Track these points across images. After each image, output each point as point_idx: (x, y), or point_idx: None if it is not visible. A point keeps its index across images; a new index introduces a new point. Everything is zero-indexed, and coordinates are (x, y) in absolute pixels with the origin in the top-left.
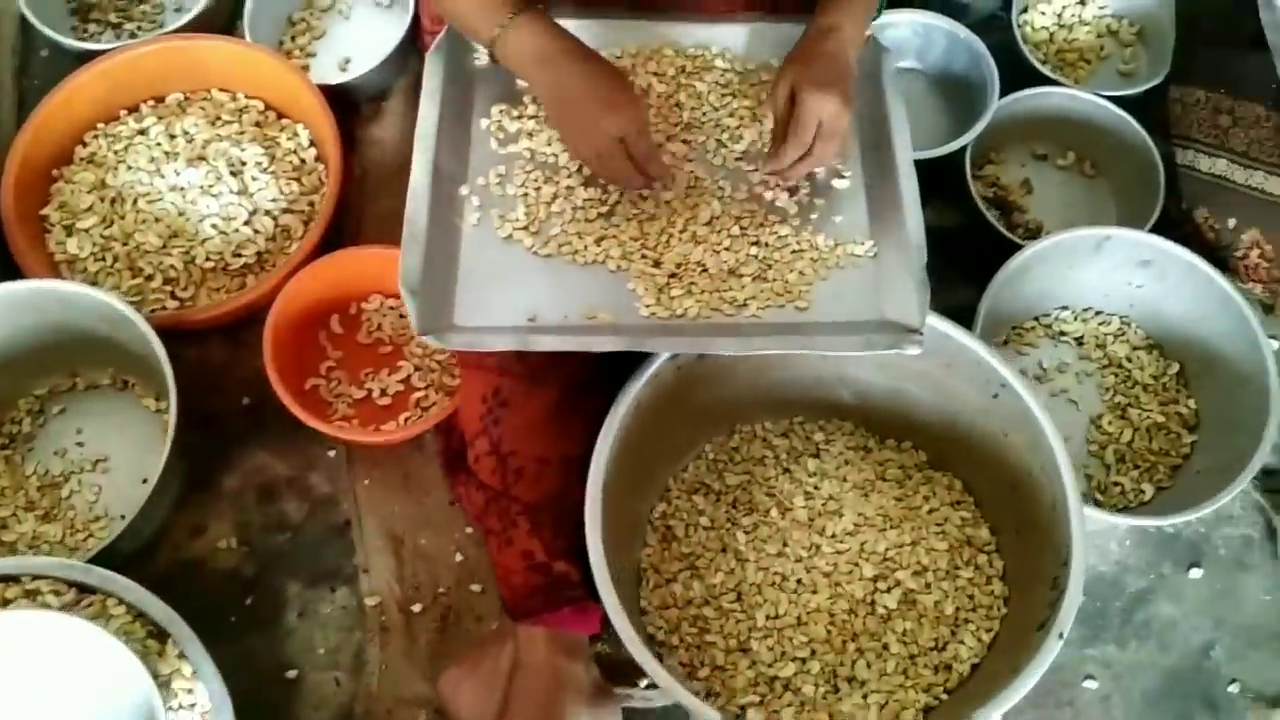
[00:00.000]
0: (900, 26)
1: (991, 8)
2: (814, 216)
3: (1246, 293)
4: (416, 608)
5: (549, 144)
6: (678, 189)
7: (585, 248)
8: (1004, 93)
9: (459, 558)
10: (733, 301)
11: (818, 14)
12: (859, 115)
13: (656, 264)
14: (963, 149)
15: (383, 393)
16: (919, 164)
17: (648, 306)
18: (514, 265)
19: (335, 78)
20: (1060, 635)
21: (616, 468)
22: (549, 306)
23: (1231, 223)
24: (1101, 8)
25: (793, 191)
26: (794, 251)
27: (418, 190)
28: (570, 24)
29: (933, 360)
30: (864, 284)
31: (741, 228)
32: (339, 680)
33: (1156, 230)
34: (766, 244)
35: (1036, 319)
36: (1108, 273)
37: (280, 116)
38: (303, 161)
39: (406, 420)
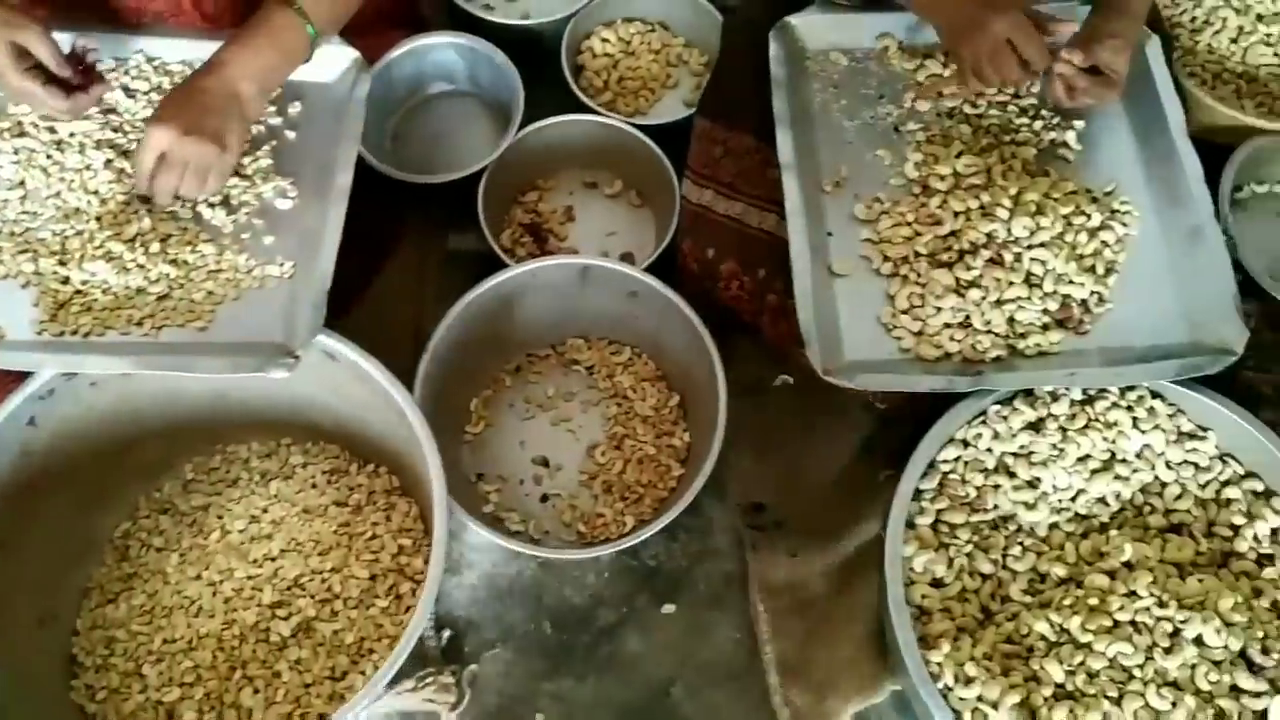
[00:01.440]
0: (444, 48)
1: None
2: (246, 236)
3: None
4: None
5: None
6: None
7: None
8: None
9: None
10: (129, 320)
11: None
12: None
13: (65, 280)
14: (479, 172)
15: None
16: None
17: (41, 323)
18: None
19: None
20: None
21: None
22: None
23: (710, 253)
24: (675, 37)
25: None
26: (210, 271)
27: None
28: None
29: (357, 385)
30: (272, 306)
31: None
32: None
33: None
34: (185, 263)
35: (553, 346)
36: (605, 302)
37: None
38: None
39: None
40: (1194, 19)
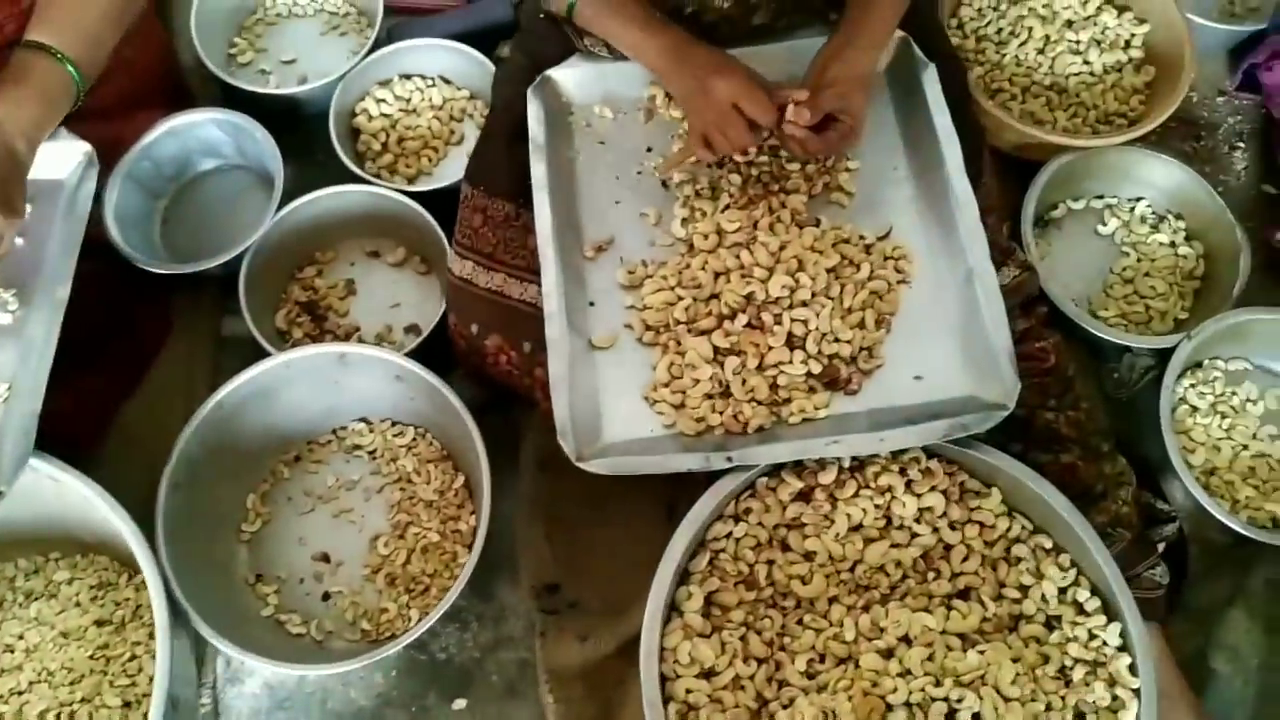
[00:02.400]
0: (205, 125)
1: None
2: None
3: None
4: None
5: None
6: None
7: None
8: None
9: None
10: None
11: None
12: None
13: None
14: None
15: None
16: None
17: None
18: None
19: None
20: None
21: None
22: None
23: (474, 328)
24: (458, 90)
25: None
26: None
27: None
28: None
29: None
30: None
31: None
32: None
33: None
34: None
35: (334, 431)
36: (375, 385)
37: None
38: None
39: None
40: (999, 30)
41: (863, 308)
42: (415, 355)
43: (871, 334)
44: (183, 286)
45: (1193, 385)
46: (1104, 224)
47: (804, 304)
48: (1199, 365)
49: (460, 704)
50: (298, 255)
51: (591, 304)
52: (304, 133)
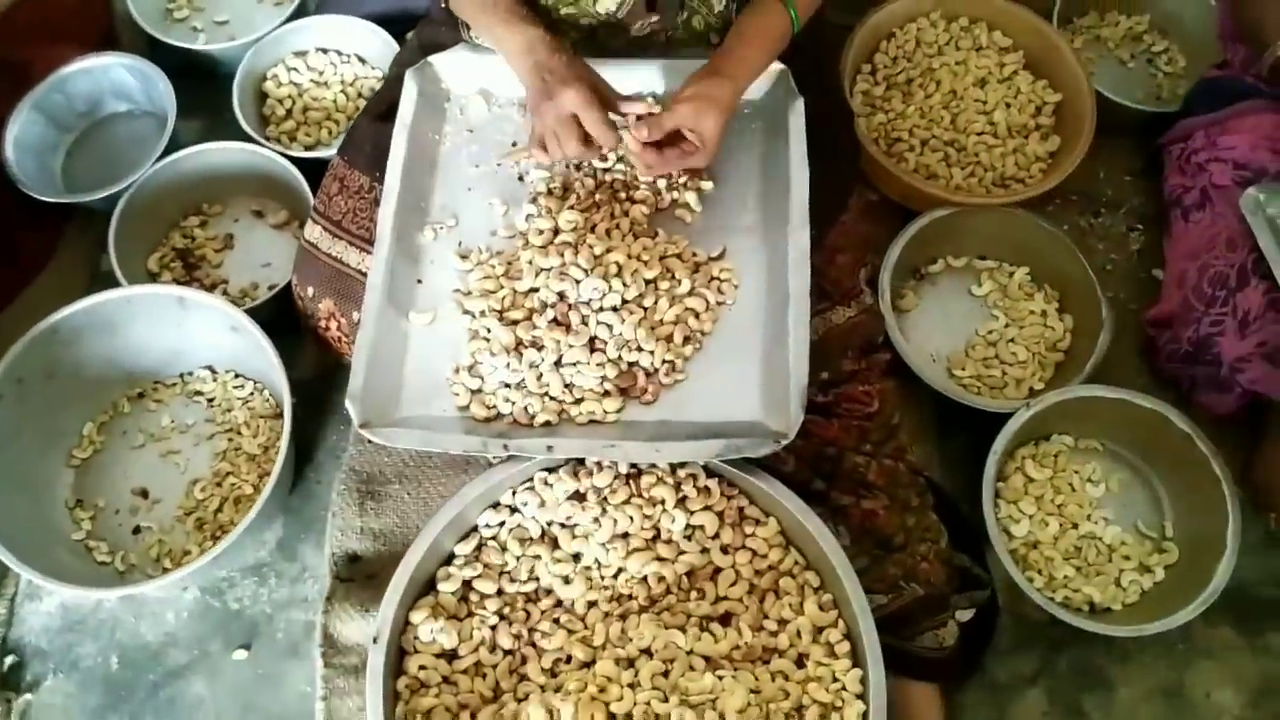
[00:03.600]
0: (116, 68)
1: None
2: None
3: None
4: None
5: None
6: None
7: None
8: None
9: None
10: None
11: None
12: None
13: None
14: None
15: None
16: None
17: None
18: None
19: None
20: None
21: None
22: None
23: (310, 290)
24: (373, 70)
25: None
26: None
27: None
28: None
29: None
30: None
31: None
32: None
33: None
34: None
35: (181, 375)
36: (214, 336)
37: None
38: None
39: None
40: (909, 79)
41: (675, 322)
42: (266, 312)
43: (677, 349)
44: (75, 220)
45: (1032, 457)
46: (979, 285)
47: (614, 309)
48: (1046, 438)
49: (241, 655)
50: (184, 204)
51: (419, 281)
52: (220, 91)
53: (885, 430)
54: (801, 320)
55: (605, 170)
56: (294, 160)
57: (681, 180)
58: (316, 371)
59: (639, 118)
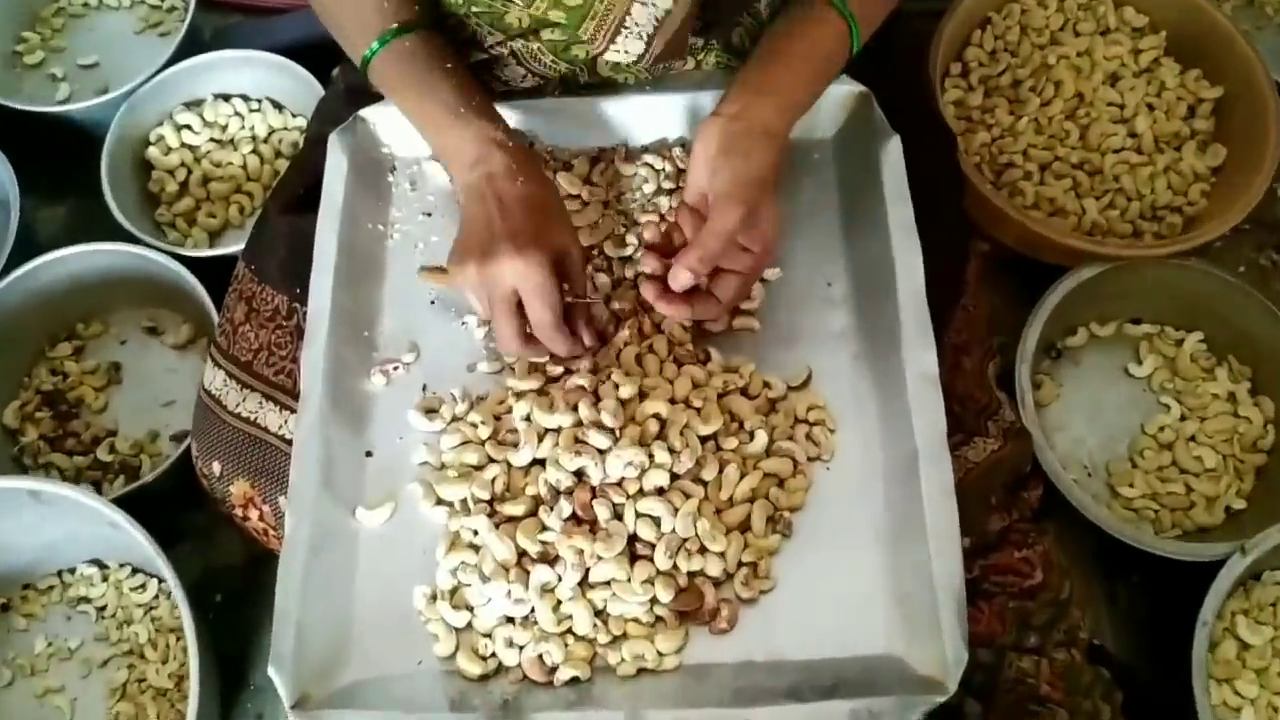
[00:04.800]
0: None
1: None
2: None
3: None
4: None
5: None
6: None
7: None
8: None
9: None
10: None
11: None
12: None
13: None
14: None
15: None
16: None
17: None
18: None
19: None
20: None
21: None
22: None
23: (216, 467)
24: (293, 117)
25: None
26: None
27: None
28: None
29: None
30: None
31: None
32: None
33: None
34: None
35: (59, 574)
36: (93, 529)
37: None
38: None
39: None
40: (1016, 82)
41: (750, 499)
42: (172, 479)
43: (760, 541)
44: None
45: (1243, 611)
46: (1138, 361)
47: (660, 491)
48: (1256, 578)
49: None
50: (50, 327)
51: (369, 455)
52: (92, 161)
53: (1052, 609)
54: (944, 486)
55: (622, 261)
56: (192, 262)
57: None
58: (249, 554)
59: (649, 248)
